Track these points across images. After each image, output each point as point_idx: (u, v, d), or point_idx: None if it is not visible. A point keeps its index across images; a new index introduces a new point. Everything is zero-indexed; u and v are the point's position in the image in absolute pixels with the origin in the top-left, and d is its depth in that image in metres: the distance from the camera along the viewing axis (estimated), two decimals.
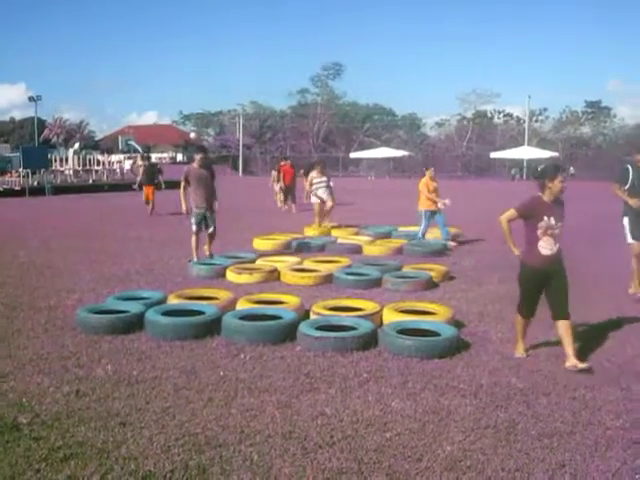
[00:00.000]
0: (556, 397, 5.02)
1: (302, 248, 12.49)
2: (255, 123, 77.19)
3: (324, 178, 15.68)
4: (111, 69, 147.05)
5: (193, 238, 10.92)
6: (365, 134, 78.89)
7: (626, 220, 8.73)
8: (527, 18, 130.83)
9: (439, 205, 13.51)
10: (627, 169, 8.65)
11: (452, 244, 13.22)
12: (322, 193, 15.55)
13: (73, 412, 4.64)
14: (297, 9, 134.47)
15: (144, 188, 20.46)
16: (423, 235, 13.59)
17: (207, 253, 11.11)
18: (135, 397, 4.94)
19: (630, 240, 8.69)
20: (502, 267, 10.85)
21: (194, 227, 10.91)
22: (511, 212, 6.03)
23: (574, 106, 77.05)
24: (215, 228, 11.12)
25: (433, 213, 13.56)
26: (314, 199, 15.72)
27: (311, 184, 15.72)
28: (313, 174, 15.77)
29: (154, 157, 61.66)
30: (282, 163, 23.60)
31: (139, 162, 44.23)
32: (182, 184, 10.95)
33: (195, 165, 11.01)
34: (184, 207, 11.00)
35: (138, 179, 22.04)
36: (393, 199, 29.19)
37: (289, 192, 22.57)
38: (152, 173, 20.71)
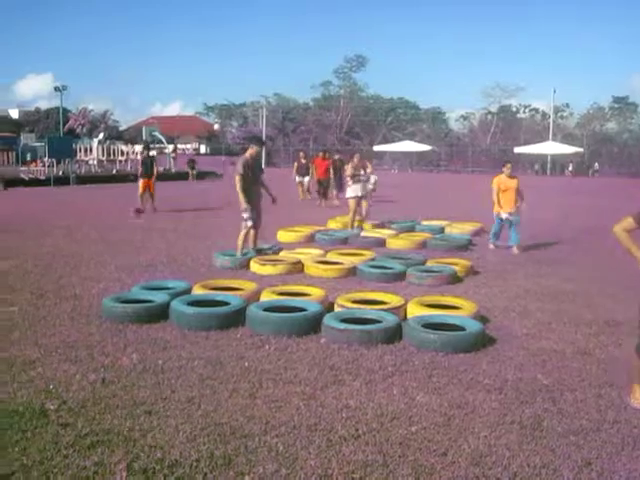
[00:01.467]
0: (582, 394, 4.98)
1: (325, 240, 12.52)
2: (278, 115, 77.23)
3: (362, 172, 14.58)
4: (137, 60, 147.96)
5: (244, 232, 10.43)
6: (388, 127, 78.69)
7: None
8: (553, 11, 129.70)
9: (503, 214, 12.21)
10: None
11: (516, 252, 11.89)
12: (357, 190, 14.35)
13: (99, 400, 4.67)
14: (321, 2, 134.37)
15: (141, 181, 18.61)
16: (494, 238, 12.45)
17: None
18: (160, 386, 4.97)
19: None
20: (527, 262, 10.84)
21: (249, 222, 10.39)
22: (628, 221, 5.12)
23: (600, 101, 76.45)
24: (256, 227, 10.72)
25: (508, 213, 12.13)
26: (349, 193, 14.51)
27: (354, 175, 14.46)
28: (354, 164, 14.58)
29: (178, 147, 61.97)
30: (317, 156, 23.31)
31: (171, 153, 44.15)
32: (239, 177, 10.26)
33: (248, 157, 10.58)
34: (244, 203, 10.25)
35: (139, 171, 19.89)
36: (416, 192, 29.11)
37: (322, 186, 21.92)
38: (151, 165, 18.95)
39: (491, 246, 12.42)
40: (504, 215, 12.18)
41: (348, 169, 14.70)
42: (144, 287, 7.77)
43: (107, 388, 4.92)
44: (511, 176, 12.42)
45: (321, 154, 23.32)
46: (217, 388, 4.95)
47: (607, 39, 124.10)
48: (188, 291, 7.65)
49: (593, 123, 75.85)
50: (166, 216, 17.34)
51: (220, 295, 7.29)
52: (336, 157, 24.70)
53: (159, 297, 7.11)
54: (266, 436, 4.12)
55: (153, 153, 22.94)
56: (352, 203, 14.35)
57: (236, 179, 10.31)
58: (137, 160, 23.53)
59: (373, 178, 15.69)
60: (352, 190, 14.40)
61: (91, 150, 43.55)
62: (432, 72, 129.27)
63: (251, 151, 10.64)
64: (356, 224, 14.39)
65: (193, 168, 38.93)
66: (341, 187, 22.96)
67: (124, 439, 4.04)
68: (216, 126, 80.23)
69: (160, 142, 51.44)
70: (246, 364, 5.50)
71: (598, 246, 12.82)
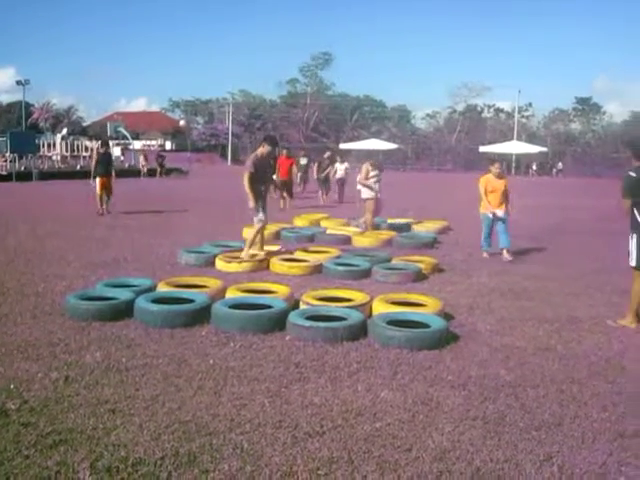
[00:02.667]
0: (544, 390, 5.05)
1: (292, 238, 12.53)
2: (244, 112, 77.03)
3: (377, 172, 14.11)
4: (101, 55, 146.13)
5: (257, 228, 10.27)
6: (354, 125, 78.98)
7: None
8: (518, 13, 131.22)
9: (494, 212, 11.24)
10: None
11: (507, 258, 11.00)
12: (372, 191, 13.98)
13: (62, 398, 4.61)
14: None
15: (99, 179, 17.13)
16: (486, 243, 11.40)
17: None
18: (124, 384, 4.93)
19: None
20: (491, 260, 10.94)
21: (264, 221, 10.31)
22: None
23: (564, 101, 77.94)
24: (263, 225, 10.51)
25: (494, 215, 11.24)
26: (366, 194, 14.04)
27: (367, 177, 13.96)
28: (368, 166, 14.14)
29: (139, 144, 61.41)
30: (281, 154, 21.52)
31: (141, 157, 43.24)
32: (248, 174, 9.98)
33: (259, 154, 10.26)
34: (253, 202, 10.05)
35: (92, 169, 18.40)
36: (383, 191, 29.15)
37: (285, 187, 20.46)
38: (108, 162, 17.73)
39: (485, 255, 11.35)
40: (498, 213, 11.20)
41: (364, 171, 14.10)
42: (108, 284, 7.69)
43: (70, 387, 4.86)
44: (499, 176, 11.50)
45: (284, 152, 21.88)
46: (182, 386, 4.93)
47: (572, 40, 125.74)
48: (152, 288, 7.59)
49: (557, 123, 77.02)
50: (130, 213, 17.17)
51: (185, 292, 7.24)
52: (325, 155, 24.35)
53: (123, 294, 7.04)
54: (231, 433, 4.11)
55: (113, 150, 21.63)
56: (370, 204, 13.98)
57: (245, 176, 10.02)
58: (93, 156, 21.15)
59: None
60: (368, 191, 14.00)
61: (54, 145, 43.08)
62: (399, 71, 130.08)
63: (262, 149, 10.30)
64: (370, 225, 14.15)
65: (162, 165, 38.65)
66: (328, 187, 22.90)
67: (87, 438, 4.00)
68: (182, 122, 79.57)
69: (125, 138, 50.95)
70: (211, 362, 5.48)
71: (560, 245, 13.01)
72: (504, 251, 11.09)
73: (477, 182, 11.71)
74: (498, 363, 5.66)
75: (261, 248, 10.53)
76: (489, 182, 11.36)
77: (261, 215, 10.22)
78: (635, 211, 6.77)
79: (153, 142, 71.36)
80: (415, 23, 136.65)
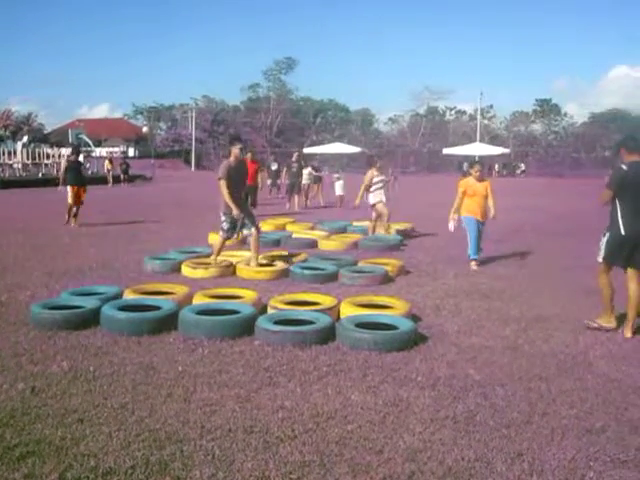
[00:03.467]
0: (512, 388, 5.10)
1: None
2: (207, 117, 76.70)
3: (383, 177, 13.86)
4: (63, 61, 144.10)
5: (220, 240, 9.97)
6: (318, 129, 79.13)
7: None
8: (478, 15, 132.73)
9: (450, 225, 10.91)
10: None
11: (474, 267, 10.50)
12: (380, 195, 13.69)
13: (29, 409, 4.54)
14: (251, 3, 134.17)
15: (70, 188, 16.08)
16: (476, 249, 10.63)
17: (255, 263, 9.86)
18: (93, 393, 4.86)
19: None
20: (457, 261, 11.00)
21: (227, 233, 9.91)
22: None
23: (525, 102, 79.22)
24: (258, 228, 10.03)
25: (478, 221, 10.68)
26: (373, 199, 13.64)
27: (371, 183, 13.60)
28: (373, 172, 13.67)
29: (103, 151, 60.74)
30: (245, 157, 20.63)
31: (108, 164, 42.35)
32: (225, 183, 9.54)
33: (232, 159, 9.81)
34: (236, 211, 9.59)
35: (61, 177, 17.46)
36: (350, 194, 29.28)
37: (251, 193, 18.61)
38: (79, 171, 16.78)
39: (474, 267, 10.53)
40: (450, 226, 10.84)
41: (368, 177, 13.68)
42: (73, 293, 7.59)
43: (37, 397, 4.78)
44: (480, 179, 10.86)
45: (249, 155, 19.73)
46: (151, 393, 4.88)
47: (532, 42, 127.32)
48: (119, 296, 7.51)
49: (518, 125, 78.05)
50: (95, 220, 16.95)
51: (151, 299, 7.18)
52: (293, 158, 23.73)
53: (89, 302, 6.96)
54: (202, 440, 4.08)
55: (81, 158, 20.55)
56: (381, 207, 13.60)
57: (220, 184, 9.57)
58: (60, 163, 19.91)
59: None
60: (376, 196, 13.62)
61: (15, 153, 42.42)
62: (363, 74, 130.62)
63: (235, 152, 9.81)
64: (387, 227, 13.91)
65: (126, 172, 38.31)
66: (299, 192, 22.62)
67: (55, 449, 3.94)
68: (145, 129, 78.85)
69: (87, 145, 50.43)
70: (180, 368, 5.44)
71: (524, 245, 13.16)
72: (472, 262, 10.64)
73: (457, 185, 11.24)
74: (466, 363, 5.70)
75: (256, 257, 9.93)
76: (469, 185, 10.80)
77: (228, 227, 9.86)
78: (617, 204, 6.77)
79: (116, 149, 70.67)
80: (378, 27, 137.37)
